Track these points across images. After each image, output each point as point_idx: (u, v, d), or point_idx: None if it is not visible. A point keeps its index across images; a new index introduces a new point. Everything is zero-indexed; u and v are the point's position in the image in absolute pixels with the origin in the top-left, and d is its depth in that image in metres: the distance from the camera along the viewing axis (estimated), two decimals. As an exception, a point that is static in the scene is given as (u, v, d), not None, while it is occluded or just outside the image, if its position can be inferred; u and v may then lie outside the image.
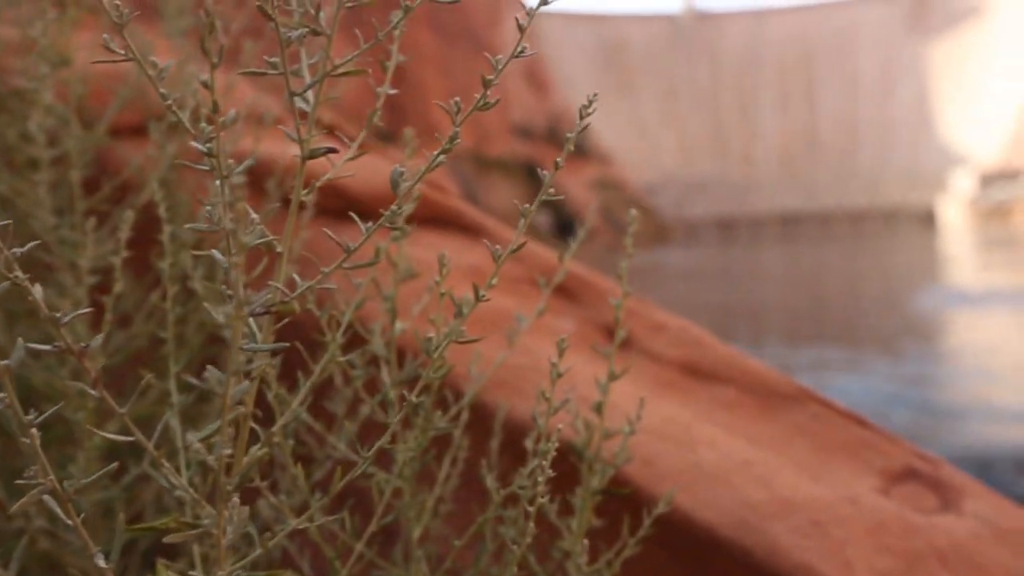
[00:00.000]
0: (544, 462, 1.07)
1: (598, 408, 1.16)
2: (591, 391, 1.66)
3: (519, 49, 0.79)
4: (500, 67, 0.80)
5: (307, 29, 0.78)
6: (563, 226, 65.00)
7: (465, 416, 1.31)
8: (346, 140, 0.84)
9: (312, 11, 0.77)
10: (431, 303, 1.44)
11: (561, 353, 0.96)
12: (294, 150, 1.81)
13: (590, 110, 0.84)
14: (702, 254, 59.56)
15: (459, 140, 0.88)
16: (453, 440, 1.33)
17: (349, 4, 0.79)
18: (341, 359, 1.03)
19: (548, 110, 71.72)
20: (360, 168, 2.04)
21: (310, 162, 1.84)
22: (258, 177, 1.81)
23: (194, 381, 0.76)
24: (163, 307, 0.98)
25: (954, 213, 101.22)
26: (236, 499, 0.68)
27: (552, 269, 1.96)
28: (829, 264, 37.34)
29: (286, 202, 1.58)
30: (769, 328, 15.01)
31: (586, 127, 0.93)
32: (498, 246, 0.92)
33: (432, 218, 1.92)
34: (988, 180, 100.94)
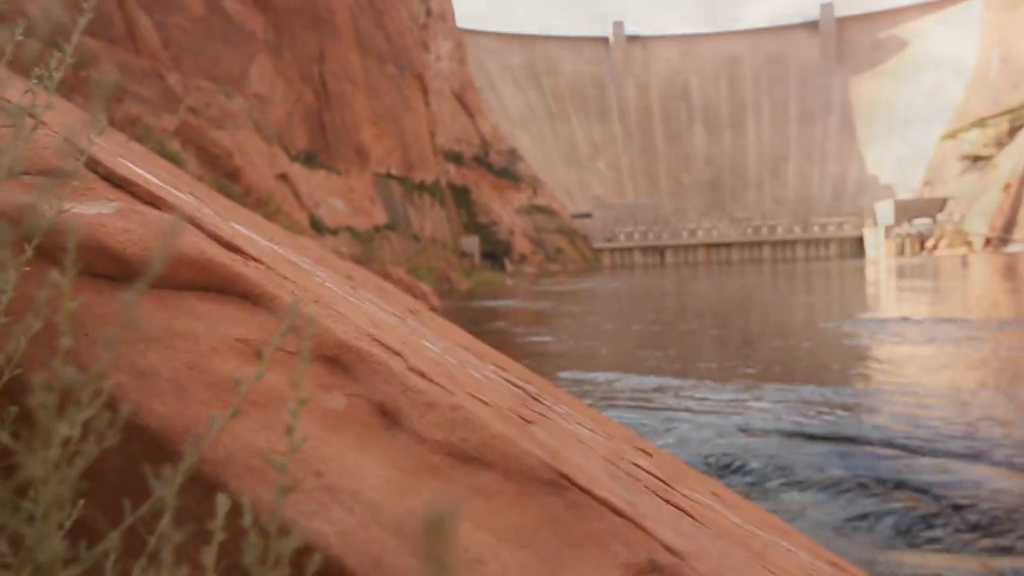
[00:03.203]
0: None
1: (269, 521, 1.07)
2: (346, 479, 1.59)
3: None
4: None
5: None
6: (492, 252, 65.23)
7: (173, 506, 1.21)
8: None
9: None
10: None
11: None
12: (69, 206, 1.70)
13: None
14: (633, 281, 60.03)
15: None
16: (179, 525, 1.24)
17: None
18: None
19: (478, 134, 71.97)
20: (143, 227, 1.94)
21: (75, 220, 1.74)
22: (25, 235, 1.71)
23: None
24: None
25: (877, 242, 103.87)
26: None
27: (336, 344, 1.88)
28: (760, 293, 37.98)
29: (45, 263, 1.49)
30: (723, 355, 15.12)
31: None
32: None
33: (211, 284, 1.83)
34: (909, 210, 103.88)
